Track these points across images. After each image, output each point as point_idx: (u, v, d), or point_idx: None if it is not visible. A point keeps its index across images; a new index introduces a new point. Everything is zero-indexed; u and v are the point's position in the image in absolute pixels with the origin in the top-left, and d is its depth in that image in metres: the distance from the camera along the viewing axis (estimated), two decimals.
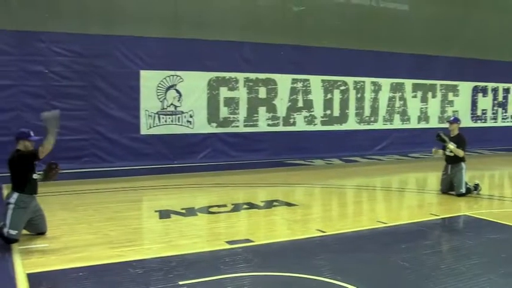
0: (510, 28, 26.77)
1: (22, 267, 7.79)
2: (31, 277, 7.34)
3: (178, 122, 19.17)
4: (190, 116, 19.37)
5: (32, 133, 9.57)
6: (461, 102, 26.19)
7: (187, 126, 19.35)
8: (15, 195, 9.19)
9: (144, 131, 18.68)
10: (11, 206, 9.12)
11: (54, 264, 7.99)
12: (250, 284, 7.27)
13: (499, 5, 26.42)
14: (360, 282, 7.17)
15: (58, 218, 10.40)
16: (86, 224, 10.59)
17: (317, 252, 9.02)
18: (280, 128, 21.24)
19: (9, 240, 8.95)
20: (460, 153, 13.98)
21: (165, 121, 18.94)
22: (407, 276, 7.65)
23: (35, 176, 9.42)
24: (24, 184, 9.26)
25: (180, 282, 7.19)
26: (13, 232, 8.98)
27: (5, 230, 8.98)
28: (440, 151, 14.34)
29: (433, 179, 15.87)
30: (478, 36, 25.56)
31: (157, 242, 9.47)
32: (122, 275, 7.72)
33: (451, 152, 14.02)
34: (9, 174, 9.37)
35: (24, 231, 9.31)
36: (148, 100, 18.61)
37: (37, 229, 9.55)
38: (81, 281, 7.30)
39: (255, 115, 20.64)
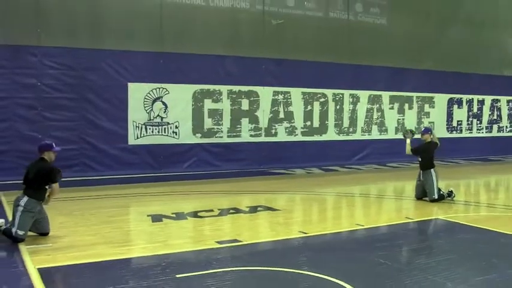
0: (484, 42, 27.72)
1: (32, 263, 8.49)
2: (42, 271, 8.04)
3: (165, 132, 19.80)
4: (176, 127, 19.99)
5: (54, 144, 10.46)
6: (437, 114, 26.93)
7: (173, 137, 19.98)
8: (25, 198, 9.94)
9: (131, 141, 19.27)
10: (20, 209, 9.87)
11: (61, 260, 8.71)
12: (239, 276, 8.04)
13: (473, 19, 27.38)
14: (338, 275, 7.93)
15: (57, 221, 11.04)
16: (85, 226, 11.30)
17: (299, 250, 9.91)
18: (262, 139, 21.86)
19: (17, 240, 9.68)
20: (407, 148, 15.21)
21: (152, 132, 19.56)
22: (382, 270, 8.43)
23: (47, 187, 10.18)
24: (38, 192, 10.04)
25: (177, 275, 7.93)
26: (20, 232, 9.72)
27: (13, 229, 9.72)
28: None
29: (409, 186, 16.60)
30: (453, 50, 26.48)
31: (153, 242, 10.18)
32: (123, 270, 8.52)
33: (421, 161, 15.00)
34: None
35: (29, 232, 9.99)
36: (136, 111, 19.22)
37: (41, 229, 10.25)
38: (87, 275, 8.04)
39: (238, 126, 21.28)
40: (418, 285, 7.66)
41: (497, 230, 11.35)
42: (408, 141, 15.26)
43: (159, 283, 7.61)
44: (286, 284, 7.76)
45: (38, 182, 10.06)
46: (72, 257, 8.90)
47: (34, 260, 8.64)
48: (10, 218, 10.51)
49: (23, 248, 9.44)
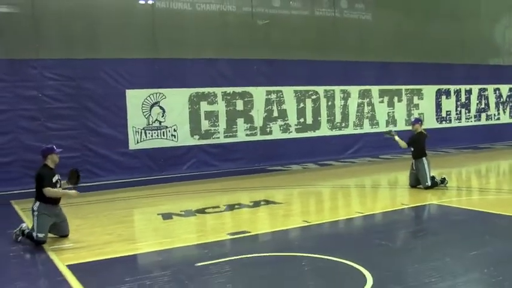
0: (468, 33, 28.41)
1: (60, 261, 9.13)
2: (71, 267, 8.69)
3: (164, 136, 20.38)
4: (174, 130, 20.57)
5: (55, 147, 11.01)
6: (426, 105, 27.55)
7: (172, 140, 20.55)
8: (37, 203, 10.54)
9: (132, 146, 19.82)
10: (35, 213, 10.48)
11: (86, 257, 9.36)
12: (254, 262, 8.71)
13: (456, 12, 28.06)
14: (345, 256, 8.59)
15: (74, 224, 11.59)
16: (101, 227, 11.95)
17: (305, 237, 10.67)
18: (258, 137, 22.46)
19: (39, 242, 10.29)
20: (402, 144, 15.87)
21: (151, 136, 20.13)
22: (384, 250, 9.13)
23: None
24: (44, 196, 10.57)
25: (196, 264, 8.58)
26: (41, 235, 10.32)
27: (34, 233, 10.34)
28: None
29: (403, 176, 17.22)
30: (438, 42, 27.11)
31: (167, 237, 10.83)
32: (146, 261, 9.23)
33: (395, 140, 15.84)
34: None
35: (50, 235, 10.62)
36: (135, 117, 19.77)
37: (61, 232, 10.86)
38: (115, 268, 8.71)
39: (234, 126, 21.87)
40: (417, 262, 8.35)
41: (489, 211, 12.06)
42: (396, 138, 15.92)
43: (181, 271, 8.26)
44: (299, 266, 8.41)
45: (38, 187, 10.62)
46: (95, 254, 9.55)
47: (61, 259, 9.27)
48: (28, 223, 11.15)
49: (47, 248, 10.07)
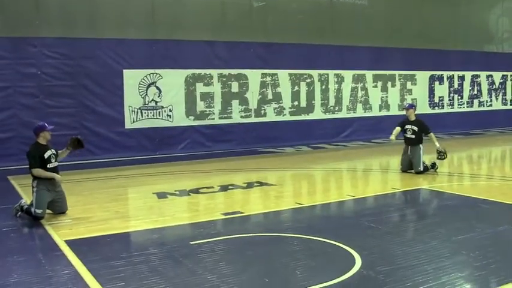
0: (461, 19, 28.66)
1: (58, 236, 9.39)
2: (69, 242, 8.94)
3: (159, 116, 20.62)
4: (170, 111, 20.81)
5: (46, 124, 11.16)
6: (419, 91, 27.87)
7: (167, 120, 20.80)
8: (36, 180, 10.76)
9: (128, 125, 20.10)
10: (34, 189, 10.72)
11: (84, 233, 9.61)
12: (246, 242, 8.98)
13: None
14: (335, 237, 8.87)
15: (71, 200, 11.66)
16: (96, 204, 12.19)
17: (297, 218, 10.97)
18: (252, 119, 22.76)
19: (37, 218, 10.54)
20: (435, 140, 16.07)
21: (147, 116, 20.38)
22: (373, 233, 9.40)
23: (49, 166, 10.87)
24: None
25: (191, 242, 8.86)
26: (39, 211, 10.56)
27: (32, 209, 10.58)
28: (395, 133, 16.13)
29: (395, 161, 17.48)
30: (433, 28, 27.43)
31: (163, 215, 11.09)
32: (141, 239, 9.52)
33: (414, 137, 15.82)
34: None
35: (48, 211, 10.87)
36: (131, 97, 20.03)
37: (59, 209, 11.07)
38: (111, 244, 8.97)
39: (229, 108, 22.16)
40: (405, 244, 8.63)
41: (478, 197, 12.35)
42: (437, 144, 16.11)
43: (175, 249, 8.53)
44: (290, 246, 8.69)
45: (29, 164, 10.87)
46: (92, 230, 9.81)
47: (59, 234, 9.53)
48: (26, 199, 11.41)
49: (45, 224, 10.33)
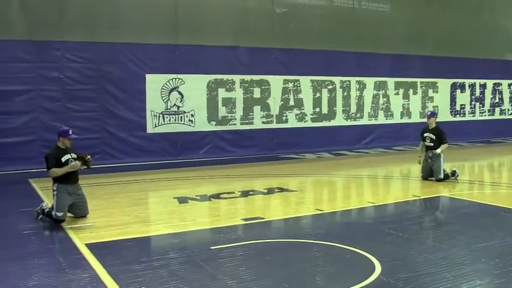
0: (483, 27, 28.58)
1: (78, 239, 9.46)
2: (89, 246, 9.01)
3: (181, 121, 20.70)
4: (192, 116, 20.90)
5: (71, 131, 11.16)
6: (440, 98, 27.80)
7: (189, 125, 20.88)
8: (56, 184, 10.84)
9: (150, 129, 20.20)
10: (55, 193, 10.81)
11: (104, 237, 9.69)
12: (266, 247, 9.00)
13: (472, 5, 28.32)
14: (355, 244, 8.87)
15: (92, 204, 11.76)
16: (117, 208, 12.27)
17: (317, 225, 10.98)
18: (274, 125, 22.80)
19: (58, 221, 10.61)
20: (445, 146, 15.76)
21: (169, 120, 20.47)
22: (394, 240, 9.38)
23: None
24: (58, 176, 10.84)
25: (211, 247, 8.89)
26: (59, 214, 10.63)
27: (53, 212, 10.66)
28: (420, 149, 16.10)
29: (415, 168, 17.33)
30: (455, 35, 27.37)
31: (184, 220, 11.16)
32: (161, 243, 9.58)
33: (433, 146, 15.76)
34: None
35: (69, 214, 10.95)
36: (153, 101, 20.14)
37: (80, 213, 11.13)
38: (131, 248, 9.00)
39: (251, 113, 22.21)
40: (425, 251, 8.62)
41: (499, 205, 12.32)
42: (439, 150, 15.74)
43: (196, 254, 8.57)
44: (310, 252, 8.70)
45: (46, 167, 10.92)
46: (113, 234, 9.88)
47: (80, 237, 9.60)
48: (47, 202, 11.52)
49: (66, 227, 10.42)
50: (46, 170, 10.86)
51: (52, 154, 10.90)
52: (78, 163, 10.81)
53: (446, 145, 15.80)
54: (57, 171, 10.73)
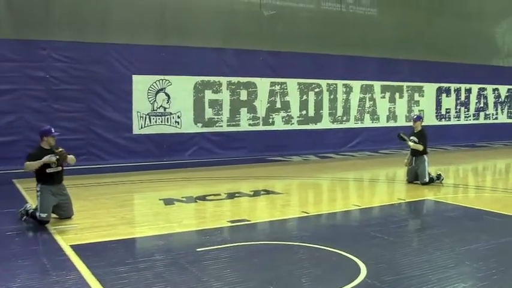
0: (470, 33, 28.71)
1: (63, 241, 9.43)
2: (74, 247, 8.98)
3: (167, 122, 20.65)
4: (178, 117, 20.84)
5: (53, 129, 11.11)
6: (426, 102, 27.89)
7: (176, 126, 20.82)
8: (39, 185, 10.81)
9: (136, 130, 20.10)
10: (38, 194, 10.76)
11: (89, 238, 9.65)
12: (253, 249, 9.02)
13: (461, 11, 28.42)
14: (340, 247, 8.90)
15: (77, 205, 11.70)
16: (103, 209, 12.22)
17: (303, 227, 10.98)
18: (260, 128, 22.78)
19: (42, 222, 10.55)
20: (419, 147, 15.81)
21: (155, 122, 20.40)
22: (379, 243, 9.42)
23: (48, 171, 10.82)
24: (41, 176, 10.82)
25: (197, 249, 8.89)
26: (43, 215, 10.55)
27: (37, 213, 10.60)
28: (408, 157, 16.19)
29: (401, 171, 17.46)
30: (441, 40, 27.48)
31: (170, 222, 11.17)
32: (147, 245, 9.56)
33: (409, 146, 15.88)
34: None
35: (54, 216, 10.91)
36: (140, 102, 20.05)
37: (65, 214, 11.10)
38: (117, 250, 8.99)
39: (237, 115, 22.17)
40: (410, 254, 8.67)
41: (483, 209, 12.39)
42: (411, 143, 16.02)
43: (182, 256, 8.57)
44: (296, 255, 8.73)
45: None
46: (98, 236, 9.85)
47: (64, 239, 9.58)
48: (31, 202, 11.47)
49: (50, 228, 10.38)
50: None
51: (33, 154, 10.81)
52: (52, 156, 10.67)
53: (421, 147, 15.82)
54: (32, 164, 10.61)
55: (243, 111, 22.28)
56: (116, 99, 19.70)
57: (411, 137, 15.98)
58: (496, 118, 31.09)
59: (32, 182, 11.23)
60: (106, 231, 10.19)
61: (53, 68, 18.70)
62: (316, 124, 24.22)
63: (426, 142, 15.97)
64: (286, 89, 23.25)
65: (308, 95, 23.92)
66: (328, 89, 24.48)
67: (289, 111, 23.38)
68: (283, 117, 23.26)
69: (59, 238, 9.66)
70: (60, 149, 10.79)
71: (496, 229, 10.75)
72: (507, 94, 31.49)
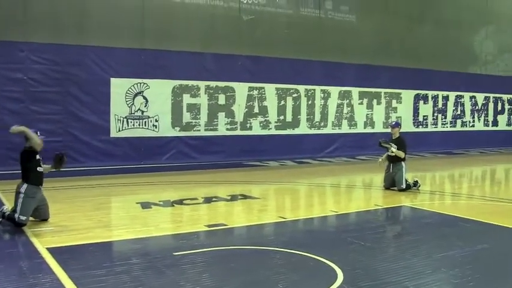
0: (448, 40, 28.92)
1: (40, 244, 9.38)
2: (51, 250, 8.93)
3: (145, 126, 20.57)
4: (156, 121, 20.76)
5: (39, 133, 11.15)
6: (404, 109, 27.99)
7: (153, 130, 20.74)
8: (25, 185, 10.75)
9: (113, 133, 19.96)
10: (21, 195, 10.68)
11: (66, 241, 9.62)
12: (229, 254, 9.03)
13: (438, 19, 28.65)
14: (317, 252, 8.93)
15: (54, 207, 11.68)
16: (79, 212, 12.17)
17: (280, 232, 11.04)
18: (238, 132, 22.70)
19: (19, 225, 10.50)
20: (401, 154, 15.92)
21: (133, 125, 20.30)
22: (356, 249, 9.47)
23: (39, 169, 10.93)
24: (30, 176, 10.80)
25: (174, 253, 8.88)
26: (23, 218, 10.52)
27: (16, 215, 10.54)
28: (384, 157, 16.29)
29: (378, 178, 17.52)
30: (419, 48, 27.71)
31: (147, 225, 11.12)
32: (124, 248, 9.53)
33: (392, 152, 15.95)
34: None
35: (30, 218, 10.84)
36: (118, 105, 19.93)
37: (42, 216, 11.08)
38: (94, 253, 8.96)
39: (215, 120, 22.10)
40: (387, 260, 8.72)
41: (459, 215, 12.49)
42: (393, 149, 16.13)
43: (158, 260, 8.56)
44: (272, 260, 8.74)
45: (24, 166, 10.87)
46: (75, 239, 9.80)
47: (42, 241, 9.52)
48: (8, 204, 11.39)
49: (27, 231, 10.31)
50: (26, 166, 10.85)
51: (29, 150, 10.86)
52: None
53: (403, 154, 15.94)
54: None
55: (221, 115, 22.23)
56: (94, 102, 19.57)
57: (392, 144, 16.07)
58: (473, 126, 31.29)
59: (10, 184, 11.18)
60: (83, 234, 10.14)
61: (31, 69, 18.53)
62: (293, 129, 24.22)
63: (406, 149, 16.09)
64: (264, 94, 23.24)
65: (286, 100, 23.94)
66: (306, 94, 24.51)
67: (267, 116, 23.37)
68: (261, 122, 23.24)
69: (35, 241, 9.61)
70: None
71: (471, 236, 10.86)
72: (484, 102, 31.72)
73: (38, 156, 10.93)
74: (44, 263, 8.36)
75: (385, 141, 16.28)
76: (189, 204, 13.52)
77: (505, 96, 32.77)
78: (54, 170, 11.44)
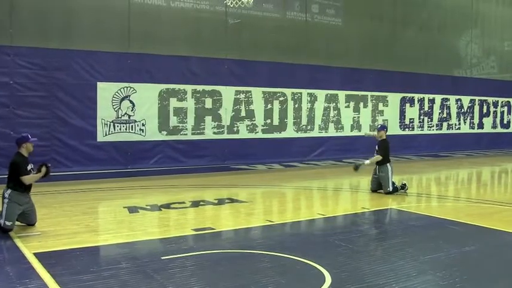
0: (433, 44, 29.11)
1: (26, 249, 9.36)
2: (38, 255, 8.92)
3: (132, 130, 20.51)
4: (143, 125, 20.70)
5: (29, 136, 11.13)
6: (390, 112, 28.05)
7: (140, 134, 20.69)
8: (9, 191, 10.73)
9: (100, 138, 19.86)
10: (6, 201, 10.67)
11: (53, 246, 9.59)
12: (217, 258, 9.04)
13: (423, 23, 28.84)
14: (305, 255, 8.96)
15: (40, 212, 11.68)
16: (66, 217, 12.15)
17: (268, 235, 11.03)
18: (225, 136, 22.65)
19: (5, 230, 10.48)
20: (378, 158, 16.06)
21: (120, 129, 20.24)
22: (343, 252, 9.50)
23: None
24: (16, 184, 10.77)
25: (162, 257, 8.89)
26: (8, 223, 10.52)
27: (1, 220, 10.52)
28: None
29: (365, 181, 17.64)
30: (405, 51, 27.84)
31: (134, 230, 11.13)
32: (111, 253, 9.51)
33: (368, 164, 16.10)
34: None
35: (17, 223, 10.81)
36: (105, 110, 19.85)
37: (28, 220, 11.06)
38: (81, 258, 8.94)
39: (202, 124, 22.04)
40: (374, 263, 8.74)
41: (445, 218, 12.58)
42: (367, 161, 16.27)
43: (146, 264, 8.55)
44: (260, 263, 8.76)
45: (11, 174, 10.85)
46: (62, 244, 9.78)
47: (28, 246, 9.51)
48: None
49: (13, 236, 10.29)
50: (15, 176, 10.76)
51: (21, 161, 10.82)
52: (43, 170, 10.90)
53: (378, 157, 16.03)
54: (30, 178, 10.78)
55: (208, 119, 22.18)
56: (80, 106, 19.48)
57: (363, 161, 16.28)
58: (459, 128, 31.42)
59: None
60: (70, 239, 10.13)
61: (17, 74, 18.43)
62: (280, 133, 24.23)
63: (386, 151, 16.15)
64: (251, 97, 23.24)
65: (273, 104, 23.94)
66: (293, 98, 24.52)
67: (254, 120, 23.36)
68: (247, 126, 23.22)
69: (22, 246, 9.59)
70: (49, 164, 11.16)
71: (458, 238, 10.91)
72: (469, 105, 31.85)
73: (29, 167, 10.92)
74: (31, 268, 8.35)
75: (356, 165, 16.54)
76: (176, 208, 13.51)
77: (490, 99, 32.91)
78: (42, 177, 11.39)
